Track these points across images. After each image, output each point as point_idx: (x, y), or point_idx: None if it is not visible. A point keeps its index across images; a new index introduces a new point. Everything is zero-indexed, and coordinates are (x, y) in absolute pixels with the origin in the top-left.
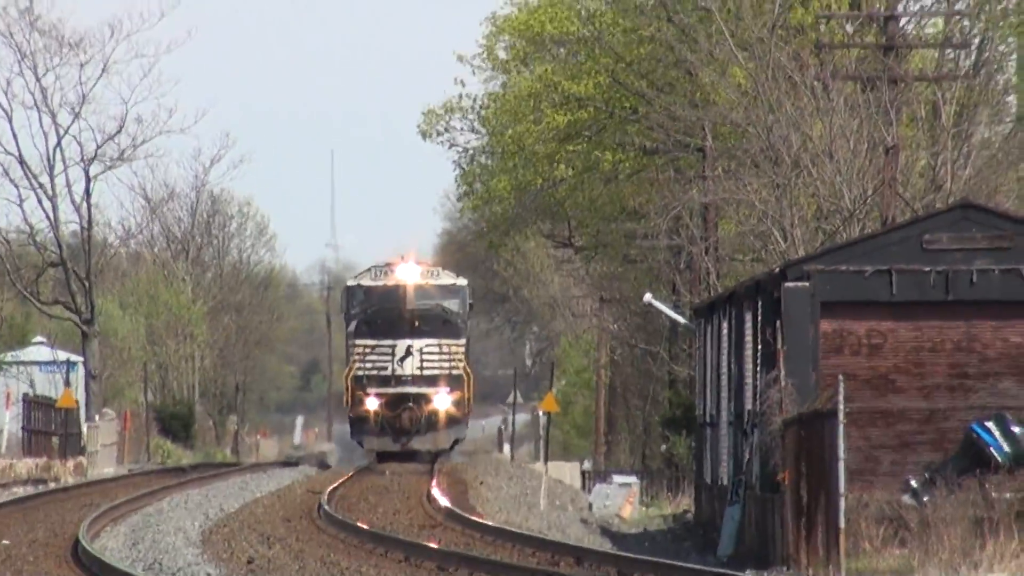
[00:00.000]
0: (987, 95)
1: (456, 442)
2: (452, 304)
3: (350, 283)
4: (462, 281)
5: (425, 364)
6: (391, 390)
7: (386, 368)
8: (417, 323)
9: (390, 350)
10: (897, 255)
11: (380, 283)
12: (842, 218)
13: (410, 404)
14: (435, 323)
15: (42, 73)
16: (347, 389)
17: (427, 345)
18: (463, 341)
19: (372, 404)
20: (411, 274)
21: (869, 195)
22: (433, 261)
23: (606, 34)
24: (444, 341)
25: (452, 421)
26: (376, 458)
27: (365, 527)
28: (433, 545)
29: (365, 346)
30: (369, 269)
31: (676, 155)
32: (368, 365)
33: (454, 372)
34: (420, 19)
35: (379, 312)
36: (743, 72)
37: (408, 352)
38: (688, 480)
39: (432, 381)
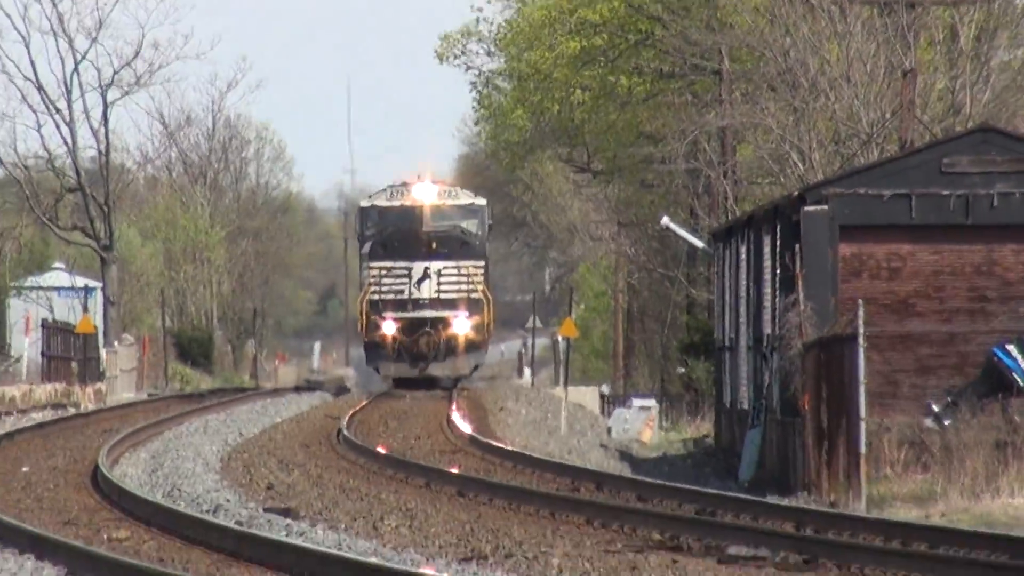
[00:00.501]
0: (1006, 18)
1: (476, 368)
2: (471, 225)
3: (363, 203)
4: (481, 200)
5: (443, 287)
6: (408, 314)
7: (402, 291)
8: (434, 244)
9: (406, 272)
10: (916, 179)
11: (395, 203)
12: (860, 142)
13: (428, 328)
14: (453, 244)
15: None
16: (361, 313)
17: (445, 267)
18: (482, 263)
19: (388, 329)
20: (428, 193)
21: (887, 119)
22: (451, 182)
23: None
24: (463, 263)
25: (471, 346)
26: (393, 384)
27: (384, 452)
28: (453, 470)
29: (380, 268)
30: (384, 189)
31: (692, 79)
32: (383, 288)
33: (473, 295)
34: None
35: (394, 233)
36: None
37: (425, 274)
38: (708, 404)
39: (450, 304)
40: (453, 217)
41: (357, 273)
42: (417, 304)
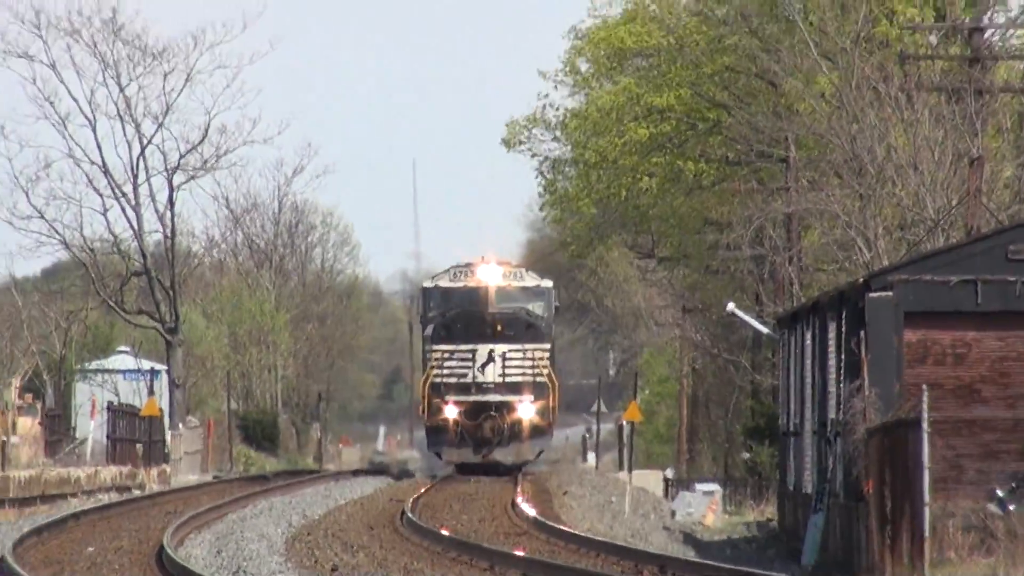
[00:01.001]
0: None
1: (540, 453)
2: (536, 307)
3: (426, 284)
4: (547, 282)
5: (508, 371)
6: (471, 398)
7: (466, 375)
8: (499, 327)
9: (470, 355)
10: (982, 265)
11: (459, 284)
12: (926, 228)
13: (492, 413)
14: (518, 327)
15: (125, 83)
16: (424, 397)
17: (510, 350)
18: (548, 346)
19: (451, 413)
20: (493, 275)
21: (953, 206)
22: (516, 264)
23: (688, 44)
24: (528, 346)
25: (536, 431)
26: (456, 470)
27: (449, 535)
28: (518, 553)
29: (443, 351)
30: (447, 270)
31: (759, 165)
32: (446, 371)
33: (538, 379)
34: (502, 34)
35: (458, 315)
36: (827, 82)
37: (490, 358)
38: (771, 488)
39: (515, 389)
40: (518, 299)
41: (420, 355)
42: (481, 388)
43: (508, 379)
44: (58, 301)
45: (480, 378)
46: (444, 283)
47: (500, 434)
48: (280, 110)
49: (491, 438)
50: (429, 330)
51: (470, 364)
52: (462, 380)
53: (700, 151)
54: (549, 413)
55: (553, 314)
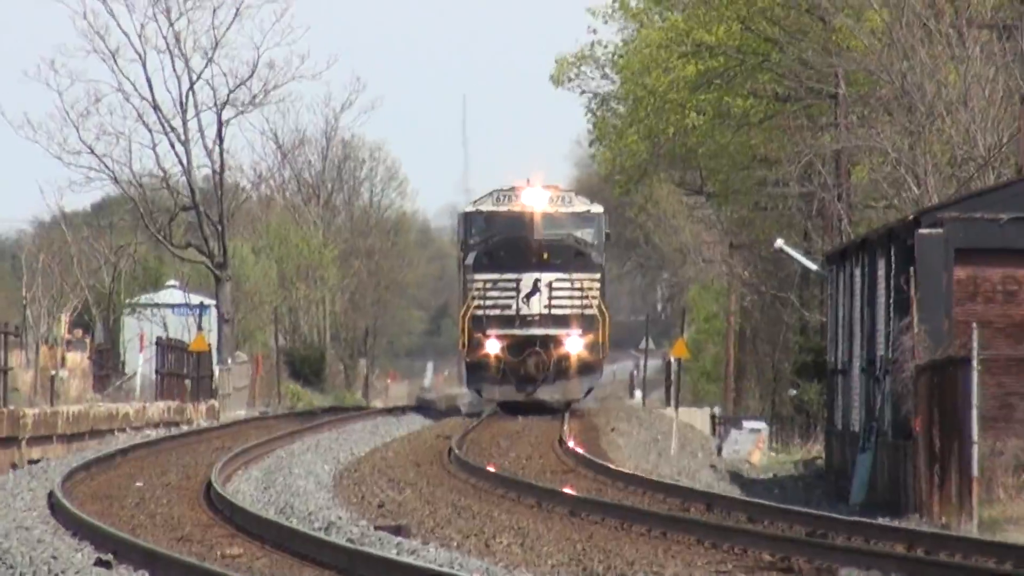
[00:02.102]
0: None
1: (589, 391)
2: (586, 234)
3: (467, 209)
4: (597, 208)
5: (555, 302)
6: (515, 331)
7: (509, 306)
8: (546, 255)
9: (514, 285)
10: None
11: (503, 209)
12: (976, 166)
13: (537, 348)
14: (566, 255)
15: (175, 17)
16: (463, 331)
17: (557, 280)
18: (598, 276)
19: (492, 348)
20: (539, 199)
21: (1004, 143)
22: (564, 188)
23: None
24: (576, 276)
25: (585, 367)
26: (496, 410)
27: (495, 471)
28: (566, 490)
29: (485, 281)
30: (490, 193)
31: (808, 102)
32: (488, 303)
33: (587, 311)
34: None
35: (502, 242)
36: (877, 18)
37: (535, 288)
38: (818, 427)
39: (562, 321)
40: (566, 225)
41: (460, 286)
42: (525, 321)
43: (555, 311)
44: (107, 236)
45: (524, 310)
46: (486, 207)
47: (545, 371)
48: (328, 45)
49: (536, 375)
50: (470, 258)
51: (514, 295)
52: (505, 312)
53: (749, 87)
54: (599, 348)
55: (603, 241)
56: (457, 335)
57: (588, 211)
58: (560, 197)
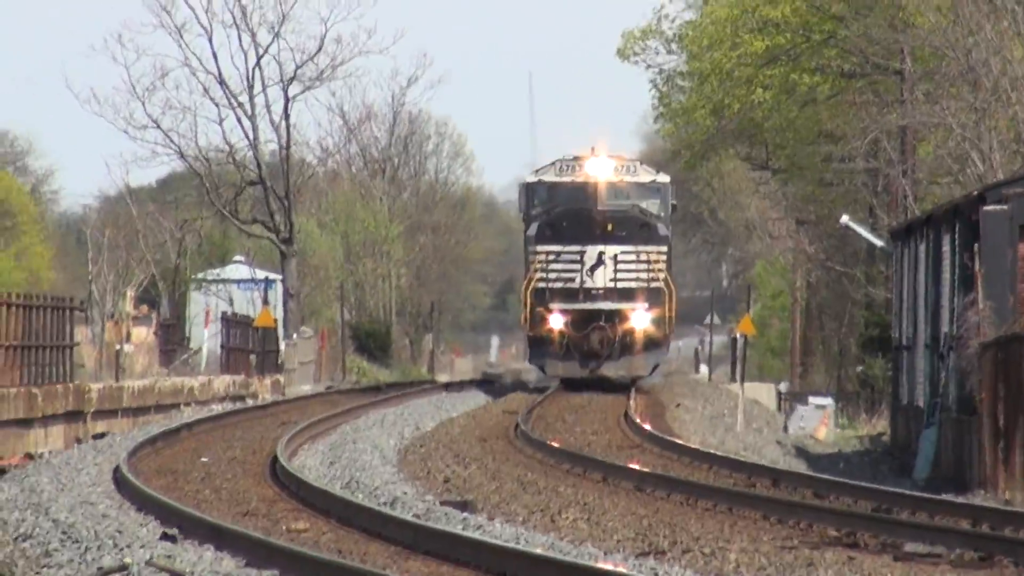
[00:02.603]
0: None
1: (655, 368)
2: (652, 205)
3: (530, 179)
4: (664, 177)
5: (620, 275)
6: (579, 305)
7: (573, 279)
8: (610, 226)
9: (578, 258)
10: None
11: (566, 179)
12: None
13: (601, 322)
14: (632, 226)
15: None
16: (525, 304)
17: (622, 252)
18: (665, 248)
19: (556, 322)
20: (603, 169)
21: None
22: (630, 157)
23: None
24: (642, 248)
25: (650, 343)
26: (561, 385)
27: (561, 447)
28: (632, 466)
29: (548, 253)
30: (553, 163)
31: (874, 78)
32: (551, 276)
33: (653, 285)
34: None
35: (565, 213)
36: None
37: (599, 260)
38: (884, 403)
39: (628, 295)
40: (632, 196)
41: (523, 258)
42: (589, 294)
43: (620, 284)
44: (173, 211)
45: (589, 283)
46: (549, 177)
47: (610, 346)
48: (395, 20)
49: (600, 350)
50: (532, 229)
51: (578, 267)
52: (568, 285)
53: (816, 63)
54: (665, 323)
55: (670, 212)
56: (520, 309)
57: (654, 181)
58: (625, 167)
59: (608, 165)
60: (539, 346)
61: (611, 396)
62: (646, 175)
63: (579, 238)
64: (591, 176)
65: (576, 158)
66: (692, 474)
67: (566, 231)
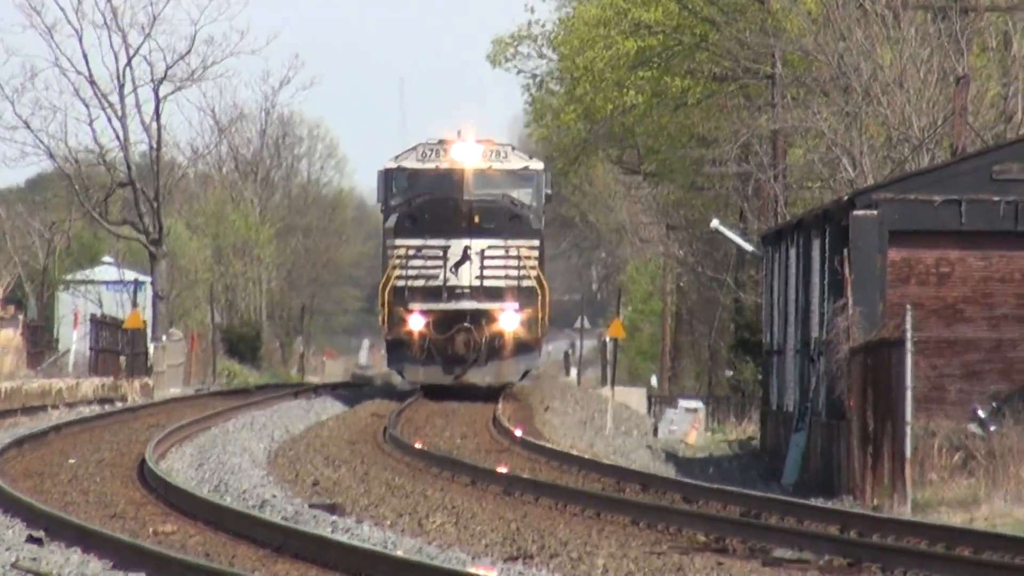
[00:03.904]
0: None
1: (526, 373)
2: (524, 194)
3: (388, 165)
4: (537, 164)
5: (487, 272)
6: (442, 305)
7: (436, 277)
8: (477, 218)
9: (441, 253)
10: (967, 185)
11: (429, 165)
12: (911, 147)
13: (467, 324)
14: (501, 218)
15: None
16: (383, 304)
17: (490, 247)
18: (537, 243)
19: (416, 324)
20: (471, 154)
21: (939, 125)
22: (501, 141)
23: None
24: (512, 242)
25: (521, 347)
26: (423, 393)
27: (429, 450)
28: (499, 469)
29: (407, 248)
30: (415, 147)
31: (745, 82)
32: (412, 273)
33: (524, 283)
34: None
35: (427, 203)
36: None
37: (465, 256)
38: (754, 407)
39: (496, 294)
40: (502, 184)
41: (380, 254)
42: (454, 293)
43: (487, 282)
44: (42, 212)
45: (453, 281)
46: (410, 164)
47: (476, 350)
48: (267, 21)
49: (465, 355)
50: (391, 221)
51: (441, 263)
52: (430, 283)
53: (687, 66)
54: (537, 324)
55: (544, 203)
56: (378, 309)
57: (527, 168)
58: (495, 152)
59: (476, 150)
60: (398, 350)
61: (479, 400)
62: (518, 161)
63: (443, 231)
64: (457, 162)
65: (440, 142)
66: (561, 478)
67: (428, 223)
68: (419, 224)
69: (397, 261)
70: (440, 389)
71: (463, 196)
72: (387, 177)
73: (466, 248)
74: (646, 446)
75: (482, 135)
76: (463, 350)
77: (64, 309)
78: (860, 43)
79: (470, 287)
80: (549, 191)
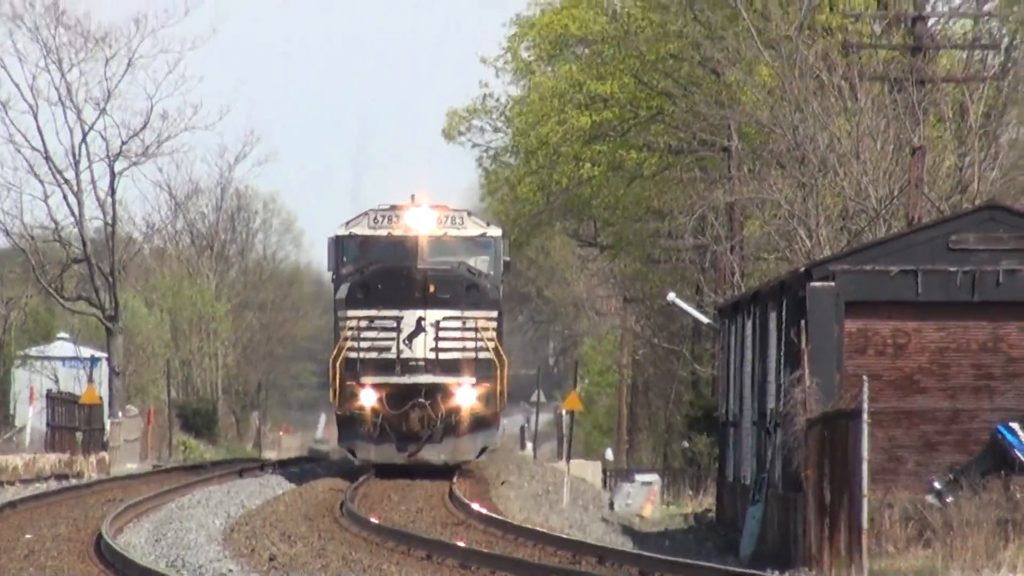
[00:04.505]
0: (1015, 96)
1: (483, 451)
2: (481, 262)
3: (339, 232)
4: (495, 230)
5: (443, 344)
6: (395, 379)
7: (389, 349)
8: (432, 287)
9: (394, 324)
10: (923, 255)
11: (381, 232)
12: (868, 218)
13: (422, 399)
14: (457, 288)
15: (67, 68)
16: (334, 378)
17: (446, 318)
18: (495, 313)
19: (368, 399)
20: (425, 220)
21: (895, 195)
22: (455, 208)
23: (633, 30)
24: (470, 313)
25: (478, 423)
26: (375, 472)
27: (387, 525)
28: (459, 543)
29: (359, 319)
30: (366, 212)
31: (701, 154)
32: (364, 344)
33: (482, 355)
34: (444, 20)
35: (380, 272)
36: (770, 71)
37: (419, 327)
38: (710, 479)
39: (452, 368)
40: (458, 252)
41: (331, 325)
42: (408, 366)
43: (443, 355)
44: None
45: (407, 353)
46: (361, 230)
47: (432, 426)
48: (223, 96)
49: (420, 432)
50: (342, 291)
51: (394, 335)
52: (383, 356)
53: (642, 140)
54: (495, 399)
55: (502, 271)
56: (328, 382)
57: (484, 234)
58: (450, 218)
59: (430, 216)
60: (349, 427)
61: (435, 475)
62: (474, 228)
63: (396, 301)
64: (410, 228)
65: (392, 208)
66: (517, 551)
67: (381, 293)
68: (371, 294)
69: (349, 332)
70: (393, 468)
71: (417, 264)
72: (338, 245)
73: (420, 319)
74: (602, 519)
75: (437, 201)
76: (418, 427)
77: (19, 385)
78: (816, 114)
79: (425, 360)
80: (507, 259)
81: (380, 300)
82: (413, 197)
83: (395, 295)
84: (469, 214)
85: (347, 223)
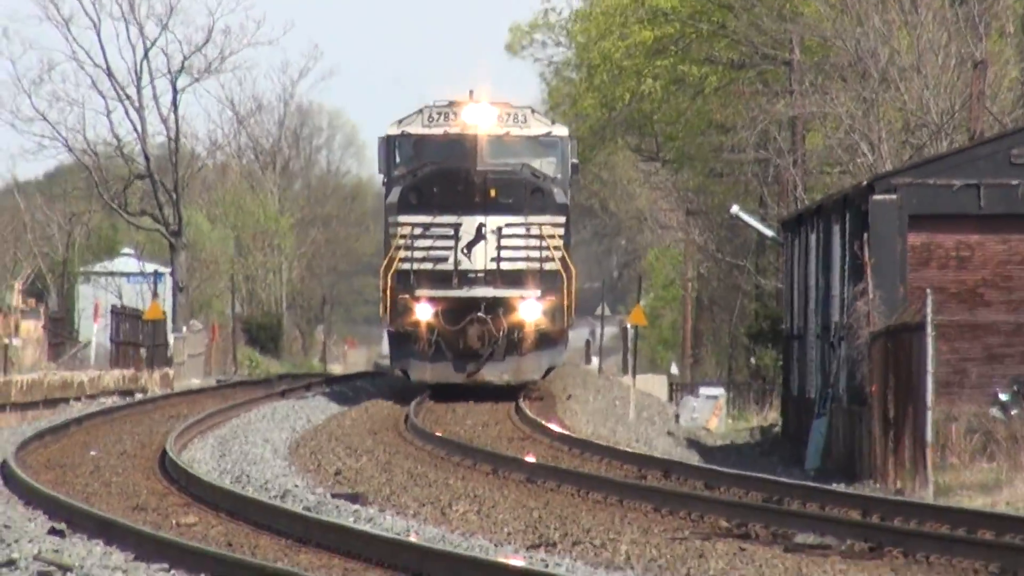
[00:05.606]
0: None
1: (550, 370)
2: (547, 164)
3: (391, 131)
4: (561, 129)
5: (505, 253)
6: (453, 292)
7: (445, 259)
8: (493, 191)
9: (452, 232)
10: (985, 169)
11: (437, 131)
12: (929, 132)
13: (481, 314)
14: (520, 192)
15: None
16: (385, 291)
17: (508, 225)
18: (562, 219)
19: (423, 313)
20: (485, 118)
21: (957, 110)
22: (518, 104)
23: None
24: (534, 219)
25: (544, 340)
26: (430, 394)
27: (451, 439)
28: (529, 458)
29: (413, 226)
30: (421, 110)
31: (763, 68)
32: (418, 254)
33: (547, 266)
34: None
35: (435, 175)
36: None
37: (479, 235)
38: (775, 393)
39: (515, 279)
40: (521, 152)
41: (382, 232)
42: (466, 278)
43: (505, 265)
44: (61, 204)
45: (465, 264)
46: (415, 129)
47: (493, 344)
48: (285, 11)
49: (480, 349)
50: (394, 195)
51: (451, 244)
52: (439, 267)
53: (705, 54)
54: (562, 314)
55: (570, 174)
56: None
57: (549, 133)
58: (512, 115)
59: (491, 113)
60: (402, 344)
61: (500, 389)
62: (539, 126)
63: (453, 206)
64: (469, 127)
65: (450, 104)
66: (583, 466)
67: (436, 197)
68: (426, 198)
69: (401, 241)
70: (451, 389)
71: (476, 166)
72: (389, 145)
73: (480, 226)
74: (668, 433)
75: (498, 98)
76: (477, 344)
77: (84, 301)
78: (877, 28)
79: (485, 271)
80: (575, 161)
81: (435, 205)
82: (472, 92)
83: (452, 199)
84: (533, 111)
85: (399, 121)
